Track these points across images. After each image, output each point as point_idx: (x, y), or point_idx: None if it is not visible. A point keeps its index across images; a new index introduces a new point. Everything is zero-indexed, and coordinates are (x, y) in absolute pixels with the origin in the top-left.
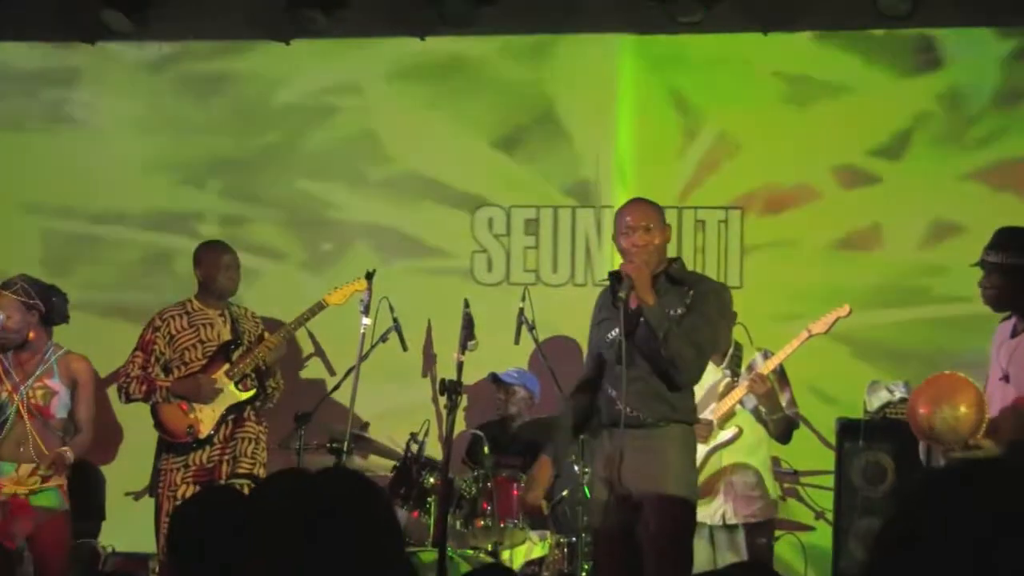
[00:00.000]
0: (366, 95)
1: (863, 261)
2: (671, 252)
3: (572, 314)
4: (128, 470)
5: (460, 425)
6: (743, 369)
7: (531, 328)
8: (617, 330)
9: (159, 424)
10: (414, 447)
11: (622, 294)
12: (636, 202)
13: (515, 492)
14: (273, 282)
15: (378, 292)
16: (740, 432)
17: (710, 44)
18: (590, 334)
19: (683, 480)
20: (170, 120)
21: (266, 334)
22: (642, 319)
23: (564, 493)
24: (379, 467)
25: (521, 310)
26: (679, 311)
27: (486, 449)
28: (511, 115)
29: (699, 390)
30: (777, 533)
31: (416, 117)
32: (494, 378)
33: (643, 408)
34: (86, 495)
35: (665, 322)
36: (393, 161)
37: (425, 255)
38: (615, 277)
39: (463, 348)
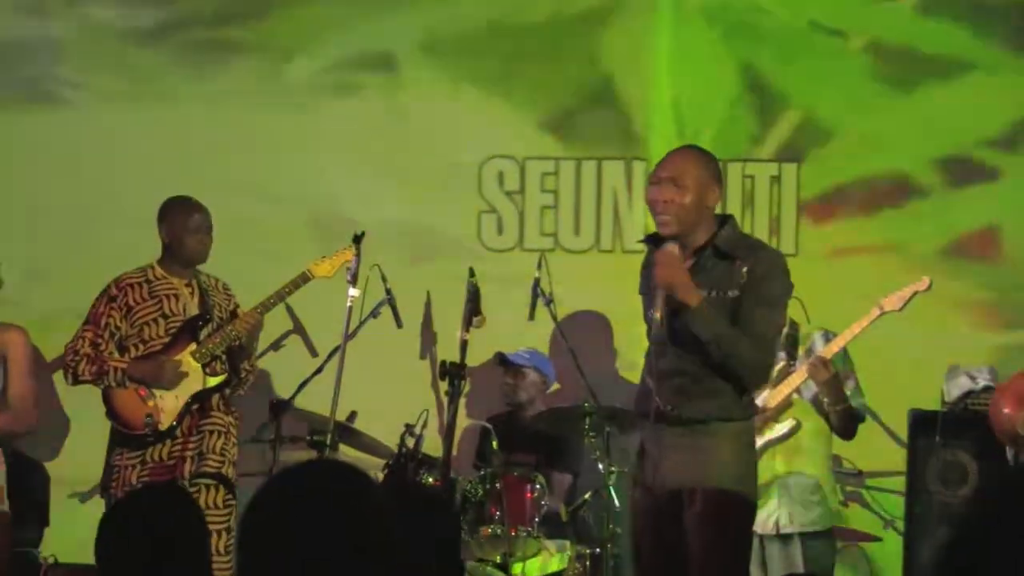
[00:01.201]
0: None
1: (974, 271)
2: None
3: (597, 285)
4: (75, 467)
5: (464, 416)
6: (801, 352)
7: (548, 302)
8: (658, 313)
9: (112, 412)
10: (410, 441)
11: (658, 316)
12: (674, 150)
13: (528, 495)
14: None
15: (368, 258)
16: (798, 426)
17: (790, 10)
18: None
19: (737, 476)
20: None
21: (240, 309)
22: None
23: (586, 496)
24: (368, 464)
25: (537, 280)
26: (731, 293)
27: (494, 444)
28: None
29: None
30: (839, 544)
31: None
32: (501, 359)
33: (684, 405)
34: (25, 496)
35: (714, 325)
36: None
37: (423, 215)
38: (652, 240)
39: (467, 325)
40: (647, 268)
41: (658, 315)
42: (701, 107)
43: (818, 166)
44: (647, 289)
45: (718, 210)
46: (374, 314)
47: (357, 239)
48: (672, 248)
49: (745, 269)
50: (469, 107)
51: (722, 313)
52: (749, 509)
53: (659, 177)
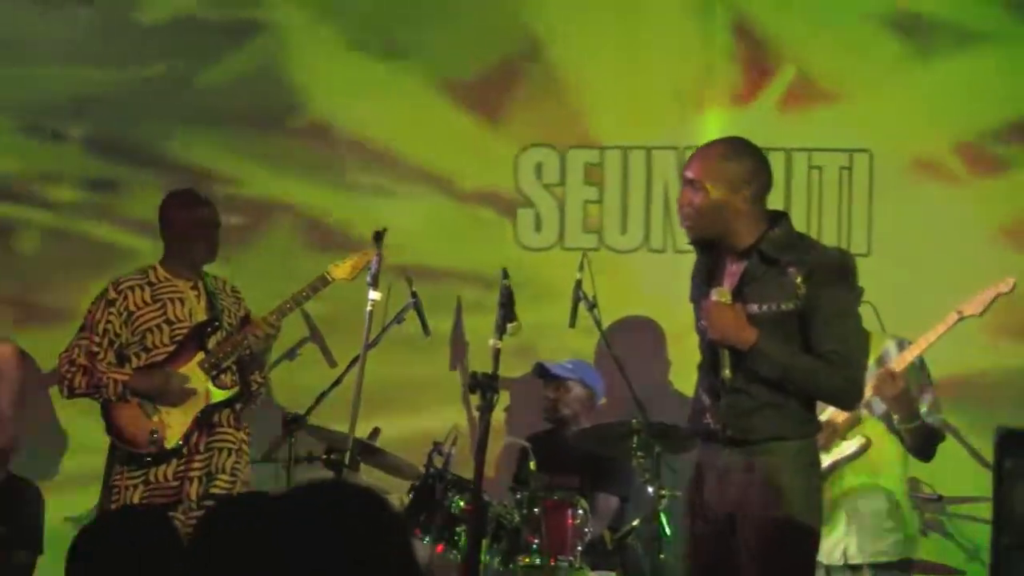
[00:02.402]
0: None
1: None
2: (776, 205)
3: (646, 288)
4: (72, 487)
5: (499, 434)
6: (871, 362)
7: (591, 306)
8: (726, 371)
9: (113, 428)
10: (438, 461)
11: (727, 373)
12: (703, 145)
13: (570, 521)
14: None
15: (392, 258)
16: (867, 444)
17: None
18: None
19: (796, 501)
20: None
21: (252, 315)
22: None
23: (635, 523)
24: (392, 486)
25: (578, 283)
26: (785, 305)
27: (532, 464)
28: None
29: None
30: None
31: None
32: (541, 371)
33: (742, 424)
34: (18, 521)
35: (780, 359)
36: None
37: (454, 208)
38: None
39: (500, 332)
40: (698, 275)
41: (727, 372)
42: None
43: None
44: (698, 296)
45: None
46: (398, 320)
47: (378, 236)
48: (717, 296)
49: (799, 279)
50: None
51: (780, 330)
52: (810, 539)
53: (685, 176)
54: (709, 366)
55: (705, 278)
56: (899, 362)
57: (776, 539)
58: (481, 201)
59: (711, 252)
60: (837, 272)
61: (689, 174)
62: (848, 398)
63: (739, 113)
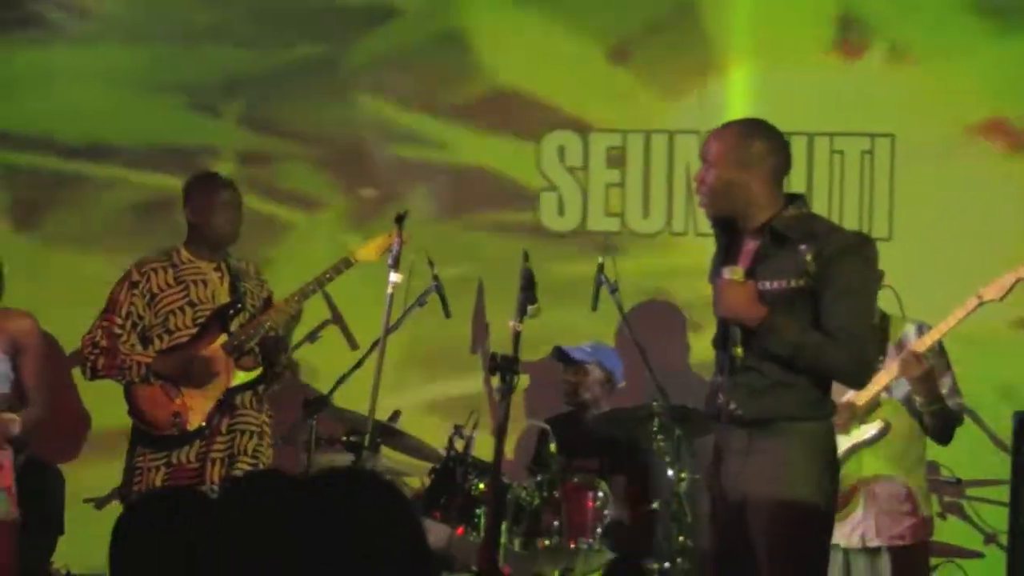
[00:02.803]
0: None
1: None
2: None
3: (668, 272)
4: (92, 469)
5: (520, 417)
6: (891, 346)
7: (613, 290)
8: (737, 349)
9: (135, 410)
10: (459, 443)
11: (738, 351)
12: (720, 127)
13: (590, 503)
14: (301, 241)
15: (413, 241)
16: (887, 428)
17: None
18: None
19: (808, 484)
20: (172, 25)
21: (275, 297)
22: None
23: (654, 505)
24: (413, 468)
25: (601, 266)
26: (795, 282)
27: (552, 447)
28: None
29: None
30: (934, 560)
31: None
32: (560, 354)
33: (751, 404)
34: (39, 502)
35: (790, 336)
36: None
37: (481, 196)
38: (721, 226)
39: (521, 315)
40: (716, 256)
41: (737, 351)
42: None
43: None
44: (715, 277)
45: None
46: (420, 303)
47: (399, 219)
48: (729, 274)
49: (810, 256)
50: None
51: (790, 308)
52: (824, 522)
53: (701, 156)
54: (721, 345)
55: (722, 258)
56: (919, 345)
57: (786, 523)
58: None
59: (730, 232)
60: (848, 251)
61: (704, 153)
62: (856, 376)
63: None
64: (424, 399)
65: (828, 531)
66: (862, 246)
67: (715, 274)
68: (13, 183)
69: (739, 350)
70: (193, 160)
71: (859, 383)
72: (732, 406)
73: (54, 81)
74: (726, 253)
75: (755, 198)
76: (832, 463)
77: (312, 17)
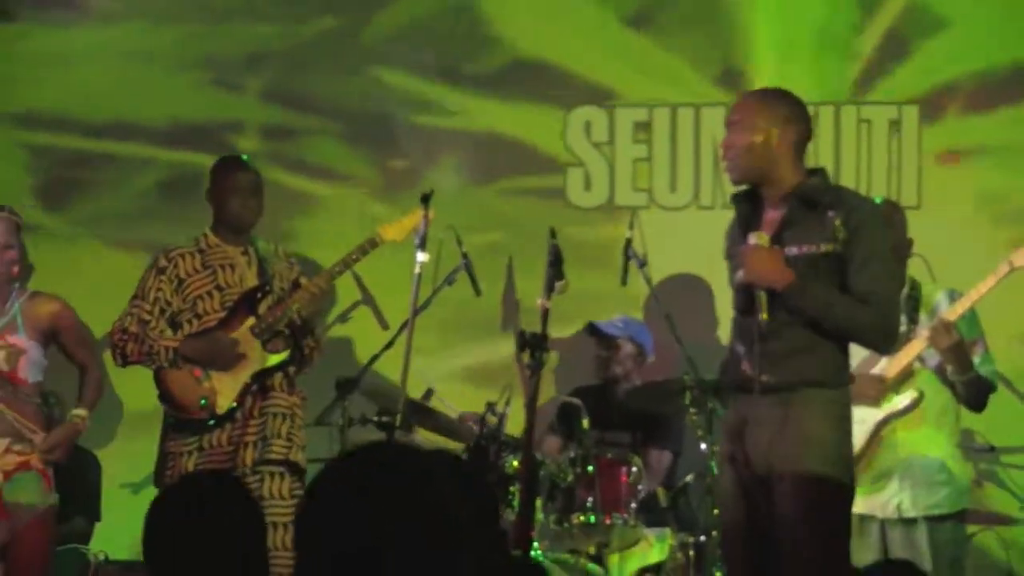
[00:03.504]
0: None
1: None
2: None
3: (696, 246)
4: (126, 455)
5: (549, 392)
6: (923, 315)
7: (642, 264)
8: (763, 315)
9: (165, 395)
10: (492, 421)
11: (764, 316)
12: (744, 94)
13: (624, 478)
14: (330, 213)
15: (441, 219)
16: (920, 397)
17: None
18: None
19: (829, 454)
20: (195, 2)
21: (303, 279)
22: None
23: (688, 479)
24: (445, 447)
25: (628, 241)
26: (824, 247)
27: (584, 423)
28: None
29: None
30: (971, 529)
31: None
32: (592, 330)
33: (775, 370)
34: (75, 488)
35: (822, 297)
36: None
37: (503, 170)
38: (741, 198)
39: (548, 291)
40: (734, 228)
41: (764, 316)
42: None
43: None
44: (733, 248)
45: (815, 163)
46: (449, 281)
47: (425, 198)
48: (755, 240)
49: (839, 221)
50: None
51: (817, 272)
52: (845, 493)
53: (729, 120)
54: (744, 314)
55: (743, 228)
56: (950, 313)
57: (810, 500)
58: None
59: (750, 202)
60: (875, 217)
61: (735, 115)
62: (885, 338)
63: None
64: (457, 374)
65: (851, 502)
66: (891, 213)
67: (734, 245)
68: (38, 164)
69: (765, 315)
70: (218, 136)
71: (886, 346)
72: (760, 373)
73: (77, 60)
74: (746, 224)
75: (779, 162)
76: (850, 432)
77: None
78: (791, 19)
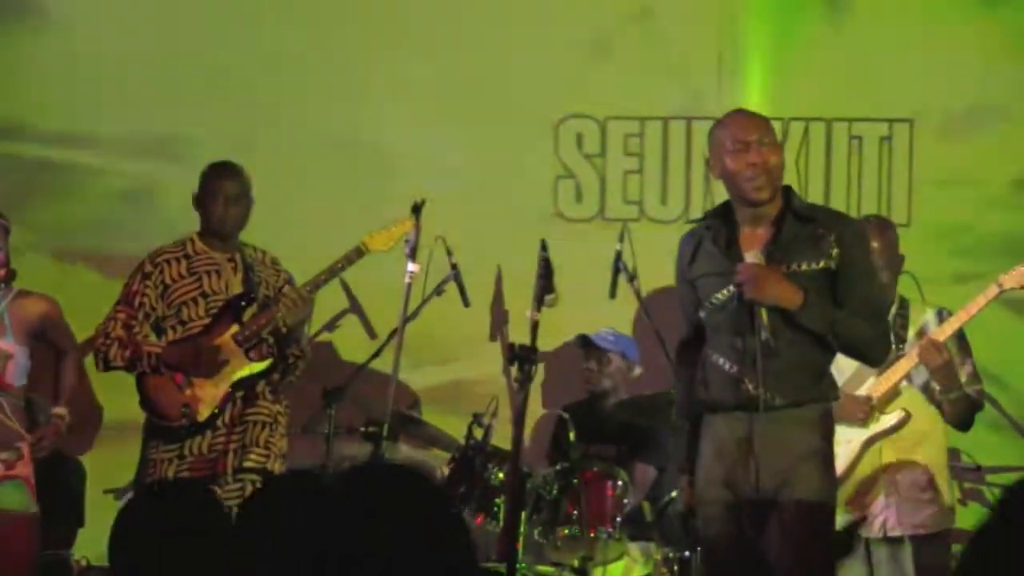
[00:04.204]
0: None
1: None
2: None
3: None
4: (108, 461)
5: (536, 405)
6: (911, 334)
7: (631, 278)
8: (730, 289)
9: (146, 402)
10: (478, 432)
11: (765, 336)
12: (743, 112)
13: (609, 492)
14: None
15: (430, 229)
16: (907, 417)
17: None
18: (680, 290)
19: (821, 477)
20: (158, 9)
21: (287, 287)
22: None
23: (672, 495)
24: (432, 458)
25: (618, 254)
26: (821, 263)
27: (571, 435)
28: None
29: (851, 362)
30: (955, 548)
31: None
32: (584, 342)
33: (778, 388)
34: (58, 493)
35: (826, 314)
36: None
37: (493, 182)
38: (717, 214)
39: (538, 303)
40: (703, 250)
41: (768, 334)
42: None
43: None
44: (709, 268)
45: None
46: (438, 291)
47: (416, 208)
48: (754, 258)
49: (833, 237)
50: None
51: (815, 288)
52: (833, 514)
53: (747, 140)
54: (733, 333)
55: (723, 245)
56: (940, 333)
57: (808, 522)
58: None
59: (722, 222)
60: (864, 235)
61: (759, 135)
62: (882, 352)
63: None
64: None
65: (834, 516)
66: (883, 229)
67: (707, 262)
68: None
69: (769, 335)
70: (175, 147)
71: (881, 356)
72: (764, 392)
73: (34, 67)
74: (727, 242)
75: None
76: (832, 451)
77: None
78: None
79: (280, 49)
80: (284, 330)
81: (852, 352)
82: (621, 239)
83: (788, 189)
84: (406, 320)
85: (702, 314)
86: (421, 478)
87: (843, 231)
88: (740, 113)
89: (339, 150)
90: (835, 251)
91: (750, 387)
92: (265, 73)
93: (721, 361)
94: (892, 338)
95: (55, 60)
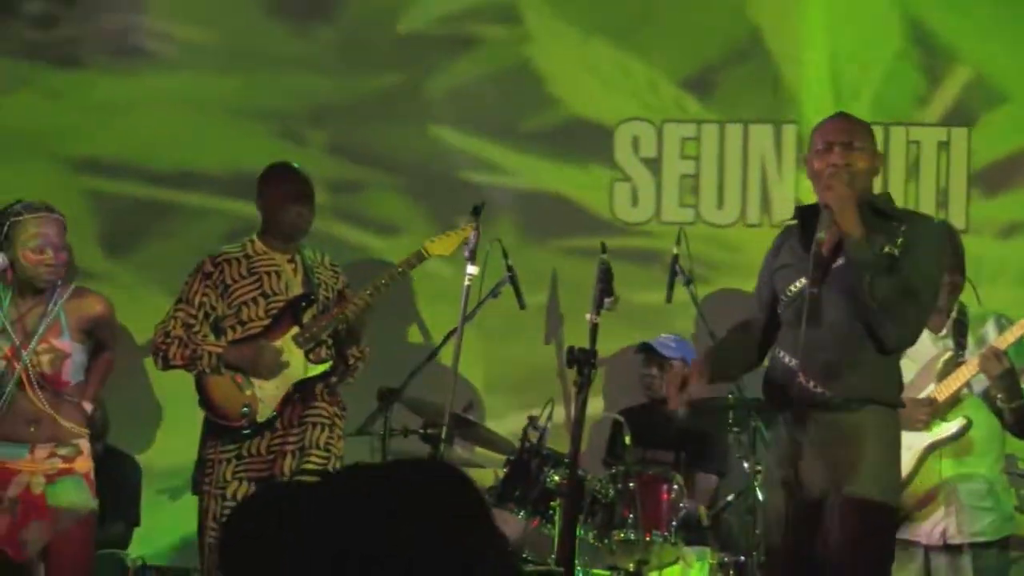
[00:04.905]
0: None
1: None
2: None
3: (742, 263)
4: (165, 460)
5: (594, 408)
6: (971, 341)
7: (688, 281)
8: (801, 281)
9: (206, 401)
10: (533, 435)
11: (821, 234)
12: (840, 115)
13: (665, 496)
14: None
15: (488, 232)
16: (968, 425)
17: None
18: (760, 277)
19: (881, 479)
20: (261, 54)
21: (348, 291)
22: (835, 265)
23: (730, 498)
24: (488, 460)
25: (675, 257)
26: (886, 248)
27: (627, 439)
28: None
29: (911, 365)
30: (1013, 555)
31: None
32: (646, 348)
33: (830, 383)
34: (116, 492)
35: (873, 261)
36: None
37: (550, 185)
38: (806, 213)
39: (598, 307)
40: (783, 237)
41: (822, 235)
42: (860, 63)
43: (990, 130)
44: (789, 261)
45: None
46: (494, 294)
47: (476, 211)
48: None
49: (904, 228)
50: (601, 63)
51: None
52: (894, 518)
53: (830, 142)
54: (795, 326)
55: (796, 243)
56: (1001, 341)
57: (868, 516)
58: None
59: (809, 219)
60: (938, 234)
61: (847, 138)
62: (905, 331)
63: None
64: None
65: (895, 522)
66: (946, 232)
67: (789, 256)
68: (102, 210)
69: (822, 235)
70: None
71: (908, 335)
72: (814, 385)
73: (143, 108)
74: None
75: (869, 189)
76: (899, 455)
77: (393, 47)
78: (847, 86)
79: (369, 84)
80: (344, 333)
81: (880, 316)
82: (678, 243)
83: (883, 194)
84: (465, 320)
85: (779, 309)
86: (445, 474)
87: (916, 226)
88: (837, 115)
89: (426, 190)
90: (901, 240)
91: (803, 380)
92: (342, 112)
93: (782, 354)
94: (951, 344)
95: (160, 100)
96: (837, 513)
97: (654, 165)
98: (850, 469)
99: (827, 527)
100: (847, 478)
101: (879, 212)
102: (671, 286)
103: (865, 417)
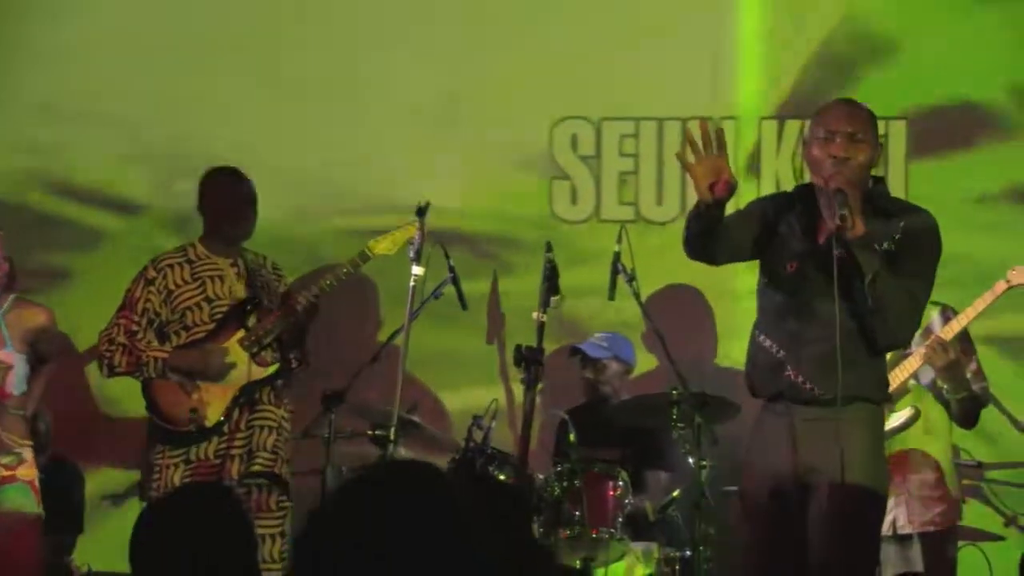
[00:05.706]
0: None
1: None
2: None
3: (683, 260)
4: (110, 467)
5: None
6: (917, 333)
7: (630, 279)
8: (795, 263)
9: (153, 407)
10: (478, 434)
11: (845, 212)
12: (845, 103)
13: (611, 492)
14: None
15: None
16: (916, 414)
17: None
18: (749, 206)
19: (870, 472)
20: None
21: (292, 292)
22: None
23: (675, 494)
24: (431, 461)
25: (617, 255)
26: (884, 246)
27: (571, 437)
28: None
29: None
30: (960, 544)
31: None
32: (577, 352)
33: (821, 379)
34: (60, 500)
35: (874, 259)
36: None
37: (489, 184)
38: (804, 192)
39: (544, 305)
40: (782, 201)
41: (845, 211)
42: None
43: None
44: (787, 230)
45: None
46: (435, 295)
47: (421, 212)
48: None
49: (902, 224)
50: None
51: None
52: (882, 510)
53: (832, 131)
54: (786, 315)
55: (802, 229)
56: (947, 332)
57: (850, 515)
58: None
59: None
60: (932, 234)
61: (851, 128)
62: (900, 331)
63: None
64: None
65: (883, 513)
66: (938, 228)
67: (789, 235)
68: None
69: (846, 212)
70: None
71: (902, 335)
72: (805, 382)
73: None
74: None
75: (867, 178)
76: (884, 450)
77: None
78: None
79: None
80: (289, 335)
81: (881, 316)
82: (619, 241)
83: (878, 181)
84: (410, 321)
85: (762, 283)
86: (420, 475)
87: (913, 223)
88: (841, 102)
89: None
90: (898, 236)
91: (788, 373)
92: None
93: (768, 343)
94: None
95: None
96: (827, 506)
97: (593, 163)
98: (839, 463)
99: (814, 520)
100: (836, 472)
101: (878, 209)
102: (613, 284)
103: (854, 413)
